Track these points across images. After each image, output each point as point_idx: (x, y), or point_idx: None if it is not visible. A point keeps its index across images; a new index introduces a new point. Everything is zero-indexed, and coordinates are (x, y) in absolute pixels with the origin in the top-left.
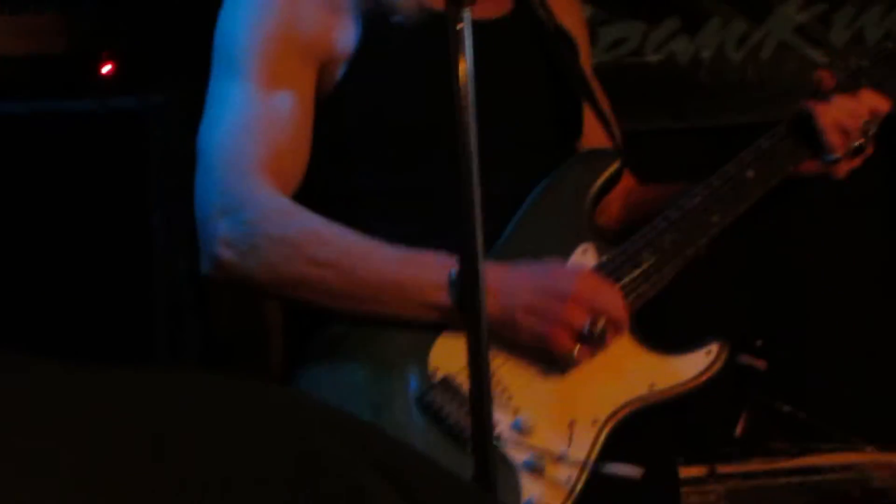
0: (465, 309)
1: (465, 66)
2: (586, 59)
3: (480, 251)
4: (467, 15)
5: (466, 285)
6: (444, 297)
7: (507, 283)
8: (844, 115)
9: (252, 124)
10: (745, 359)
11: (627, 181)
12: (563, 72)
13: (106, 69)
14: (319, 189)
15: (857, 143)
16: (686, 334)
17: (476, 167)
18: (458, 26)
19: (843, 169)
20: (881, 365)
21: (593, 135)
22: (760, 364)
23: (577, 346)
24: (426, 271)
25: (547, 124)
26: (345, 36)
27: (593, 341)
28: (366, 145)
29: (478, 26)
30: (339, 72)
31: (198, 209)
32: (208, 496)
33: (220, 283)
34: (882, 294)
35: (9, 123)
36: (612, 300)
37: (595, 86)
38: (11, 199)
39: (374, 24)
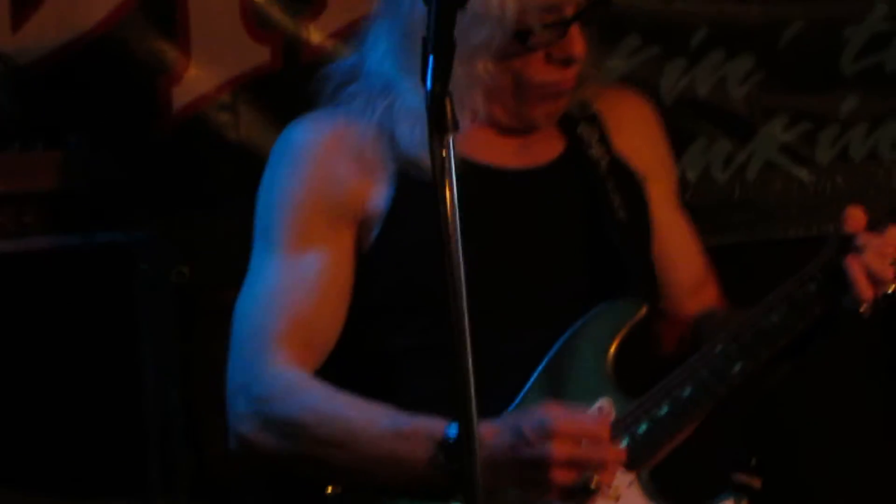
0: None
1: (450, 194)
2: (663, 190)
3: (474, 415)
4: (450, 140)
5: (462, 453)
6: (438, 473)
7: (493, 452)
8: (875, 259)
9: (276, 296)
10: (741, 477)
11: (701, 277)
12: (607, 218)
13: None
14: (353, 344)
15: (889, 291)
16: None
17: (467, 328)
18: (443, 153)
19: (868, 310)
20: (878, 486)
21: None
22: (756, 482)
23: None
24: (420, 446)
25: (583, 276)
26: (378, 196)
27: (587, 491)
28: (396, 305)
29: (521, 175)
30: (374, 232)
31: (226, 384)
32: None
33: (246, 458)
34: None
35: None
36: (594, 454)
37: (671, 215)
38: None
39: (406, 182)
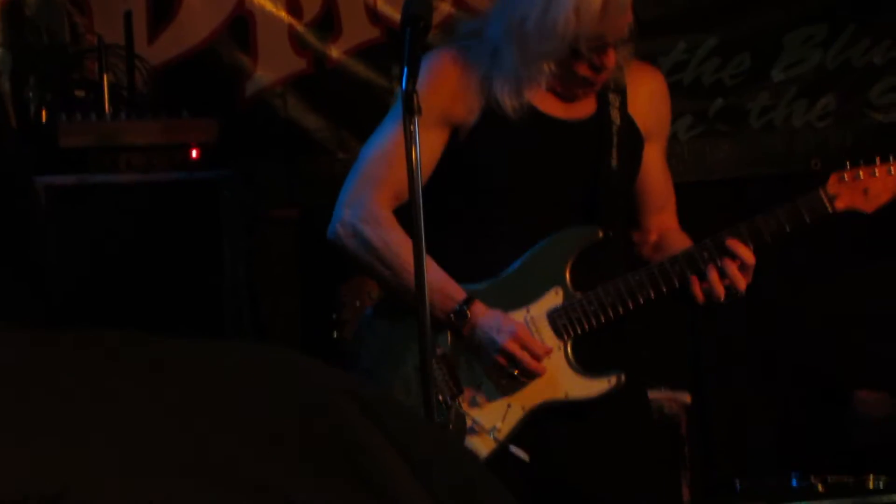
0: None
1: (415, 155)
2: (657, 144)
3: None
4: (416, 120)
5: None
6: (450, 315)
7: (478, 323)
8: (716, 281)
9: (389, 153)
10: (514, 450)
11: (666, 227)
12: (605, 163)
13: (194, 153)
14: (438, 203)
15: (723, 298)
16: (599, 361)
17: (422, 227)
18: (412, 128)
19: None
20: None
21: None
22: (524, 455)
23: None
24: (443, 298)
25: (582, 198)
26: (472, 111)
27: (510, 375)
28: (464, 187)
29: (567, 124)
30: (466, 134)
31: (341, 191)
32: (224, 456)
33: (333, 247)
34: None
35: (133, 188)
36: (529, 355)
37: (655, 164)
38: (128, 236)
39: (489, 111)
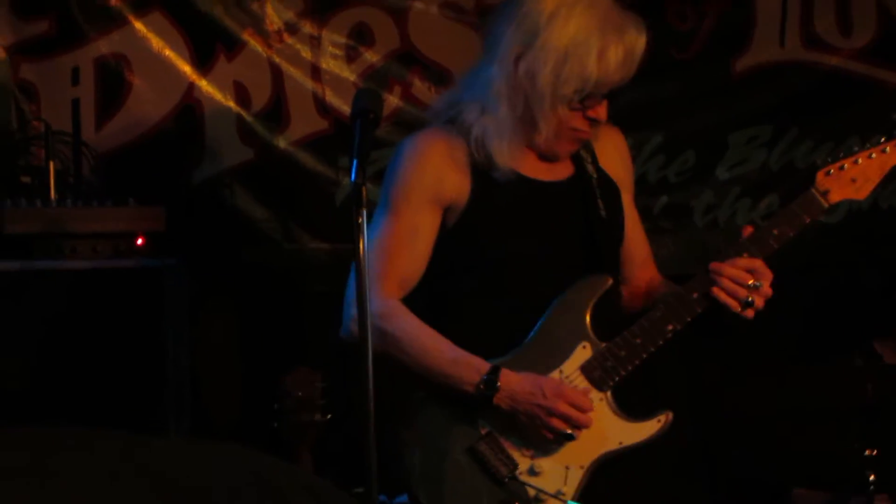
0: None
1: (362, 245)
2: (628, 196)
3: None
4: (363, 212)
5: (493, 388)
6: (474, 393)
7: (516, 392)
8: (729, 283)
9: (387, 245)
10: None
11: (651, 276)
12: (595, 216)
13: (140, 241)
14: (437, 287)
15: (748, 299)
16: (645, 402)
17: (365, 295)
18: (359, 220)
19: (749, 314)
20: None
21: (634, 252)
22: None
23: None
24: (468, 371)
25: (579, 254)
26: (462, 190)
27: (567, 437)
28: (467, 266)
29: (551, 185)
30: (459, 213)
31: (346, 291)
32: None
33: (349, 343)
34: None
35: (78, 274)
36: (578, 410)
37: (631, 214)
38: (71, 322)
39: (483, 181)
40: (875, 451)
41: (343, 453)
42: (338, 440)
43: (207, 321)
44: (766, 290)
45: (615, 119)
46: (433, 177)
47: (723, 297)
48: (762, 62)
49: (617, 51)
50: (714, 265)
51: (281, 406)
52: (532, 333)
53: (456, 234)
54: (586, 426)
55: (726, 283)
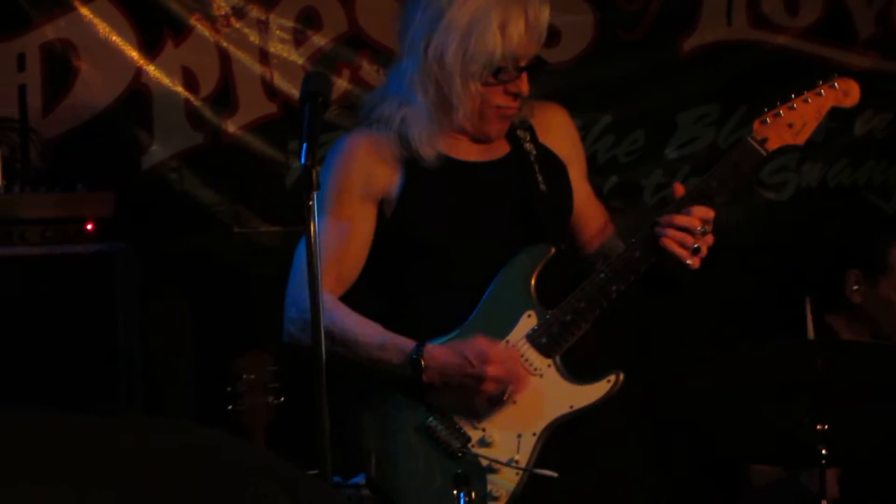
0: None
1: (312, 228)
2: (578, 171)
3: (321, 319)
4: (314, 195)
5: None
6: (404, 374)
7: (443, 365)
8: (679, 233)
9: (322, 243)
10: (540, 472)
11: (603, 225)
12: (534, 191)
13: (89, 227)
14: (379, 279)
15: (694, 245)
16: (594, 365)
17: (317, 270)
18: (310, 203)
19: (695, 263)
20: None
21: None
22: (552, 473)
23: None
24: (395, 355)
25: (520, 230)
26: (394, 184)
27: (504, 399)
28: (413, 255)
29: (484, 165)
30: (394, 205)
31: (286, 294)
32: None
33: (291, 346)
34: None
35: (27, 261)
36: (506, 368)
37: (582, 187)
38: (21, 309)
39: (413, 171)
40: (826, 426)
41: (298, 435)
42: (292, 422)
43: (158, 306)
44: (710, 237)
45: (563, 99)
46: (360, 174)
47: (672, 246)
48: (710, 41)
49: (518, 23)
50: (664, 218)
51: (234, 389)
52: (477, 308)
53: (396, 226)
54: (519, 382)
55: (675, 233)
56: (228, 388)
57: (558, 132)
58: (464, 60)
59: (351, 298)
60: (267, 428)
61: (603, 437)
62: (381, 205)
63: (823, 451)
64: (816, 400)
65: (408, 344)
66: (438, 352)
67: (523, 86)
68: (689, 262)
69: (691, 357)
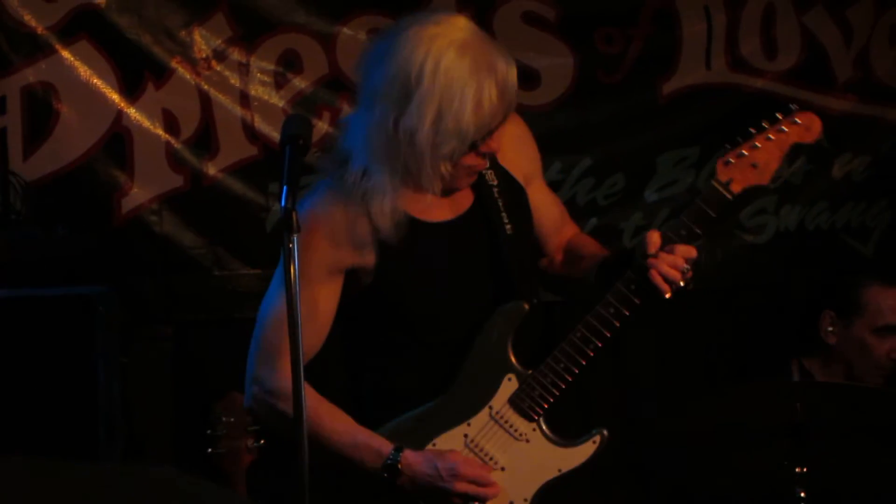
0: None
1: (293, 271)
2: (536, 181)
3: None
4: (294, 238)
5: (398, 472)
6: (382, 473)
7: (416, 474)
8: (667, 269)
9: (284, 319)
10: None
11: (569, 235)
12: (502, 235)
13: (69, 270)
14: (360, 341)
15: (682, 286)
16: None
17: (298, 334)
18: (290, 245)
19: (669, 295)
20: None
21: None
22: None
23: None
24: (369, 457)
25: (492, 283)
26: (363, 252)
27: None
28: (391, 322)
29: (449, 225)
30: (371, 273)
31: (248, 360)
32: None
33: (253, 417)
34: None
35: (7, 303)
36: (476, 485)
37: (542, 197)
38: (1, 349)
39: (383, 242)
40: (805, 469)
41: (277, 479)
42: (271, 466)
43: (138, 348)
44: (689, 273)
45: (543, 142)
46: (325, 250)
47: (658, 280)
48: (689, 85)
49: (491, 93)
50: (651, 261)
51: (213, 432)
52: (459, 375)
53: (375, 294)
54: (491, 497)
55: (665, 268)
56: (208, 431)
57: (515, 145)
58: (434, 142)
59: (323, 361)
60: (247, 471)
61: (592, 493)
62: (356, 273)
63: (802, 494)
64: (795, 442)
65: (384, 446)
66: (413, 459)
67: (496, 145)
68: (665, 294)
69: (670, 399)
